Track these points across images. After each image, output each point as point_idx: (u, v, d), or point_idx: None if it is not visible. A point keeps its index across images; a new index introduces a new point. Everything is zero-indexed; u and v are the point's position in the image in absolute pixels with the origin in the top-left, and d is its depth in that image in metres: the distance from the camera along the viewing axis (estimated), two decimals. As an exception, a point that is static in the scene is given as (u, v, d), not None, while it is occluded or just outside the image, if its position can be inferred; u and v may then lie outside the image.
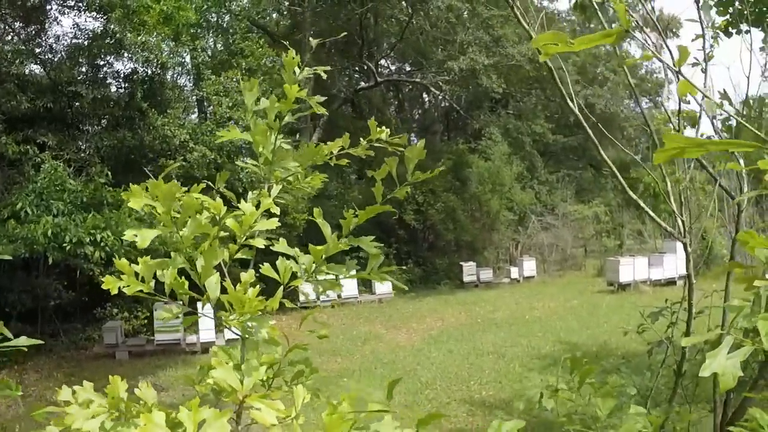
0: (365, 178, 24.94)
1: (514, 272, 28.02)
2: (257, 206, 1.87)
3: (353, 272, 2.11)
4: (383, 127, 2.16)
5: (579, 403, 3.08)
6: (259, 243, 1.84)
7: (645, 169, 4.32)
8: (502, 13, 27.02)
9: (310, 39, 2.15)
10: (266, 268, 1.90)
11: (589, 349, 14.41)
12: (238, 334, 1.85)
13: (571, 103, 2.95)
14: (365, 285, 23.31)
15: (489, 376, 12.94)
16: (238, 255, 1.90)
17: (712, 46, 3.36)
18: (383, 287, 23.44)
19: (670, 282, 24.32)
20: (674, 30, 30.52)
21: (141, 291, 1.78)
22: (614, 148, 38.36)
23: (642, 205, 3.45)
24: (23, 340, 2.31)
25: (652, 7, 3.74)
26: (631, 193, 3.37)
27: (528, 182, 32.51)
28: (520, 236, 31.01)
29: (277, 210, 1.88)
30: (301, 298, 19.28)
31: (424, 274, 27.34)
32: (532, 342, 15.90)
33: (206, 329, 16.83)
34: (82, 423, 1.71)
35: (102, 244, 12.83)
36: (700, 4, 3.18)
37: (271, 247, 1.89)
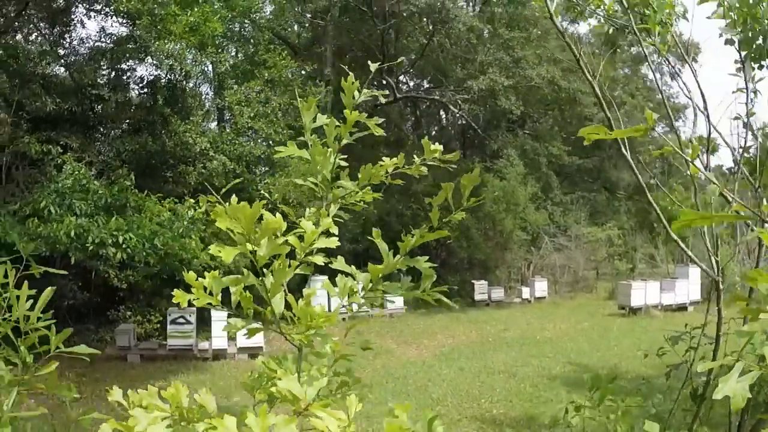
0: (380, 191, 24.91)
1: (526, 292, 28.03)
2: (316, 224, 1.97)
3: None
4: (436, 144, 2.25)
5: (599, 420, 3.16)
6: (319, 260, 1.93)
7: (672, 198, 4.41)
8: (522, 35, 27.19)
9: (369, 63, 2.26)
10: (326, 284, 2.01)
11: (600, 371, 14.40)
12: (295, 346, 1.95)
13: (625, 152, 3.05)
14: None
15: (500, 395, 12.97)
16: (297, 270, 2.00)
17: (752, 100, 3.46)
18: (395, 302, 23.46)
19: (681, 307, 24.28)
20: (694, 56, 30.53)
21: (209, 304, 1.87)
22: (628, 170, 38.43)
23: (685, 250, 3.56)
24: (83, 348, 2.42)
25: (677, 33, 3.85)
26: (674, 235, 3.46)
27: (542, 203, 32.54)
28: (532, 256, 31.03)
29: (335, 229, 1.98)
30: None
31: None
32: (542, 362, 15.92)
33: (218, 336, 16.94)
34: (145, 426, 1.78)
35: (124, 246, 13.01)
36: (743, 57, 3.28)
37: (329, 265, 1.98)
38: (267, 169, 21.74)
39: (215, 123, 24.80)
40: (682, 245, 3.64)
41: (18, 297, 2.34)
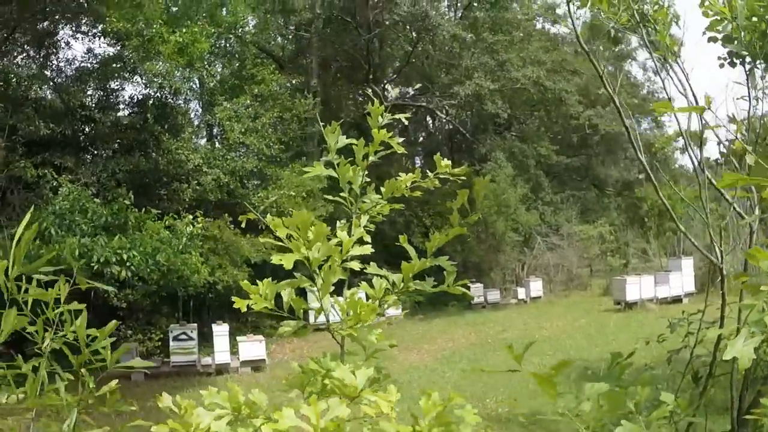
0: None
1: (521, 293, 28.23)
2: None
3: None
4: (446, 160, 2.48)
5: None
6: (355, 265, 2.14)
7: (680, 190, 4.63)
8: (505, 38, 27.46)
9: (390, 88, 2.47)
10: (365, 286, 2.21)
11: (600, 365, 14.62)
12: (338, 342, 2.15)
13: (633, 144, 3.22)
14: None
15: (504, 394, 13.17)
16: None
17: (755, 106, 3.72)
18: (393, 309, 23.65)
19: (676, 300, 24.49)
20: (678, 52, 30.87)
21: (266, 307, 2.06)
22: (616, 167, 38.76)
23: (689, 237, 3.79)
24: (138, 362, 2.62)
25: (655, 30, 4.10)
26: (680, 226, 3.69)
27: (533, 203, 32.75)
28: (525, 257, 31.21)
29: (368, 238, 2.19)
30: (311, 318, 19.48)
31: (433, 296, 27.39)
32: (543, 360, 16.08)
33: (221, 351, 17.07)
34: (209, 422, 1.98)
35: (128, 263, 13.16)
36: (747, 70, 3.54)
37: (365, 270, 2.19)
38: (259, 182, 21.91)
39: (204, 139, 24.94)
40: (689, 236, 3.85)
41: (71, 313, 2.50)
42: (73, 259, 12.70)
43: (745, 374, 3.54)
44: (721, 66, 6.33)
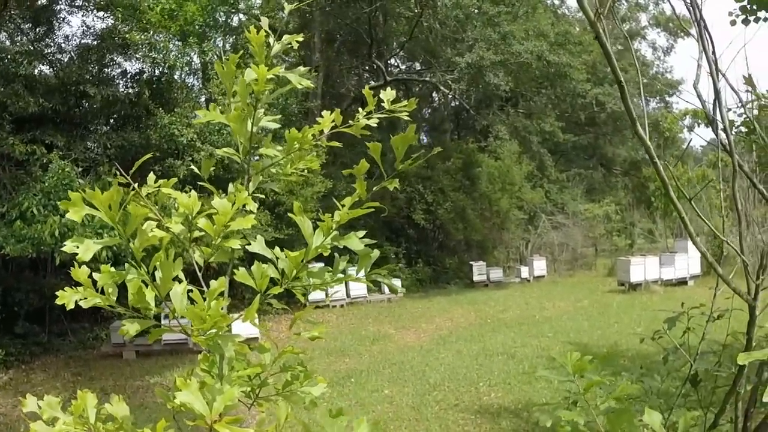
0: (374, 176, 24.44)
1: (525, 272, 27.86)
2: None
3: (341, 275, 1.89)
4: (389, 90, 1.95)
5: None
6: (234, 244, 1.69)
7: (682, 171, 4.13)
8: (508, 10, 26.80)
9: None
10: (241, 274, 1.75)
11: (600, 350, 14.22)
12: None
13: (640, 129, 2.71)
14: (374, 284, 23.09)
15: (498, 378, 12.76)
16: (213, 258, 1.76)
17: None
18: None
19: (681, 282, 24.08)
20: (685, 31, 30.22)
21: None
22: (624, 146, 38.23)
23: (713, 262, 3.32)
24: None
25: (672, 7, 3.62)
26: (695, 235, 3.19)
27: (538, 181, 32.31)
28: (530, 235, 30.81)
29: (254, 206, 1.74)
30: (312, 296, 19.23)
31: (434, 274, 27.21)
32: (542, 342, 15.71)
33: (213, 329, 16.74)
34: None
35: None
36: None
37: (247, 247, 1.74)
38: (257, 158, 21.44)
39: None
40: (692, 234, 3.35)
41: None
42: (52, 239, 12.36)
43: (754, 387, 3.05)
44: (733, 24, 5.76)
